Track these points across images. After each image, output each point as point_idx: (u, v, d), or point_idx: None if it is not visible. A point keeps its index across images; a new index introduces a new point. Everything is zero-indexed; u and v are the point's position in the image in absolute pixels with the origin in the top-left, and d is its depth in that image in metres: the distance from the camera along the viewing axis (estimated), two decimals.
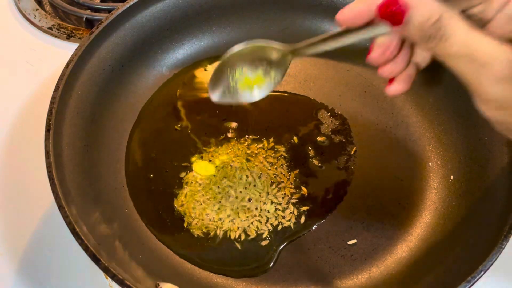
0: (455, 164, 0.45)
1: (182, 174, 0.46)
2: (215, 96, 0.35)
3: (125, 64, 0.49)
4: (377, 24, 0.27)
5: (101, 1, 0.63)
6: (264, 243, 0.42)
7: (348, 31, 0.29)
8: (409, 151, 0.47)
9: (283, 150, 0.47)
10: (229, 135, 0.48)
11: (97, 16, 0.60)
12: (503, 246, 0.33)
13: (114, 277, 0.33)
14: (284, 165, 0.46)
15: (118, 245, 0.39)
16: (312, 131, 0.49)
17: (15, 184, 0.47)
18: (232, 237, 0.42)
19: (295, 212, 0.43)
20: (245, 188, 0.44)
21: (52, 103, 0.40)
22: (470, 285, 0.32)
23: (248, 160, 0.46)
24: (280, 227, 0.43)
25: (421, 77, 0.34)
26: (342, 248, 0.42)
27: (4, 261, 0.42)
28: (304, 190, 0.45)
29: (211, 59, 0.54)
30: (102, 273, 0.41)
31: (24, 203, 0.46)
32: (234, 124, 0.47)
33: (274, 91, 0.51)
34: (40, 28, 0.59)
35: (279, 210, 0.43)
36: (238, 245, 0.42)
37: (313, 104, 0.51)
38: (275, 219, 0.43)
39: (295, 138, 0.48)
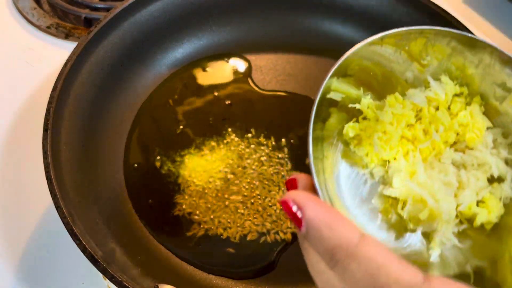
0: None
1: (182, 174, 0.45)
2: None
3: (124, 63, 0.49)
4: None
5: (100, 0, 0.62)
6: (265, 244, 0.42)
7: None
8: None
9: (284, 150, 0.47)
10: (229, 135, 0.48)
11: (95, 15, 0.59)
12: None
13: (112, 278, 0.32)
14: (285, 165, 0.46)
15: (116, 246, 0.39)
16: None
17: (14, 184, 0.47)
18: (232, 239, 0.42)
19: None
20: (246, 189, 0.44)
21: (50, 102, 0.40)
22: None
23: (248, 161, 0.46)
24: (280, 228, 0.42)
25: None
26: None
27: (3, 261, 0.42)
28: None
29: (210, 58, 0.53)
30: (101, 274, 0.40)
31: (22, 203, 0.45)
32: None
33: (273, 90, 0.51)
34: (38, 27, 0.59)
35: (279, 211, 0.43)
36: (238, 247, 0.42)
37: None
38: (276, 220, 0.43)
39: (295, 138, 0.48)
